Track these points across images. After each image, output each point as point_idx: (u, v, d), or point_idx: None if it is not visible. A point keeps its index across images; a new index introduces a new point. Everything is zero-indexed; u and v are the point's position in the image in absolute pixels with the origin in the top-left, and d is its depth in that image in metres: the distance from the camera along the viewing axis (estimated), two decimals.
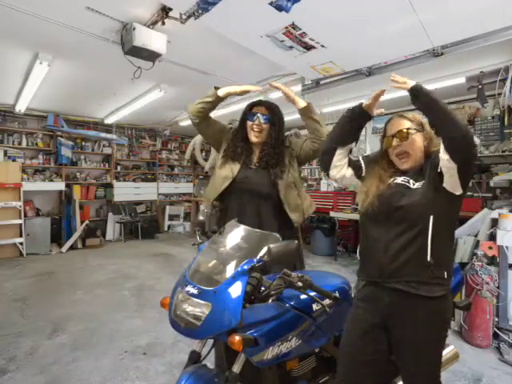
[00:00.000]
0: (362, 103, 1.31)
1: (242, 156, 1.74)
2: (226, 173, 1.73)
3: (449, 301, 1.24)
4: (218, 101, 1.68)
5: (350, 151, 1.43)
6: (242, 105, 5.07)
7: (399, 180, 1.27)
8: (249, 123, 1.70)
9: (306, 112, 1.68)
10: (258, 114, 1.67)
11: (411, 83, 1.14)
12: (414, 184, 1.23)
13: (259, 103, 1.73)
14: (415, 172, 1.27)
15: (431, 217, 1.16)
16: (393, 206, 1.22)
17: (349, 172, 1.41)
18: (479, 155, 4.58)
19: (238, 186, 1.72)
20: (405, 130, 1.25)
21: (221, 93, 1.66)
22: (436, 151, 1.20)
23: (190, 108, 1.74)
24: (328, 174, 1.44)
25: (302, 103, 1.68)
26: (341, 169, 1.40)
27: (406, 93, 1.19)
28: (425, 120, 1.28)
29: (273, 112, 1.71)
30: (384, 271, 1.22)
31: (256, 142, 1.70)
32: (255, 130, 1.68)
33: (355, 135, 1.38)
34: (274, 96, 4.49)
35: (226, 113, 5.52)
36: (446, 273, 1.19)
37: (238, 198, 1.73)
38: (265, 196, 1.70)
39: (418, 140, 1.26)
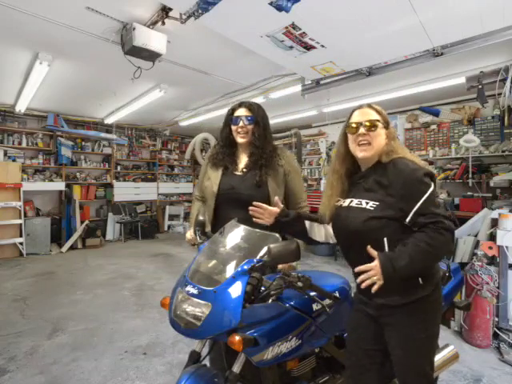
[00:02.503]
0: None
1: (224, 161, 1.71)
2: (209, 189, 1.70)
3: (429, 301, 1.20)
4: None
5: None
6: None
7: (354, 203, 1.25)
8: (233, 127, 1.69)
9: None
10: (242, 117, 1.66)
11: (381, 277, 1.07)
12: (367, 203, 1.21)
13: (240, 105, 1.71)
14: (369, 179, 1.24)
15: (385, 239, 1.15)
16: (348, 229, 1.24)
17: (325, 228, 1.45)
18: (479, 155, 4.59)
19: (223, 197, 1.66)
20: (374, 120, 1.23)
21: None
22: (397, 163, 1.18)
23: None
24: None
25: None
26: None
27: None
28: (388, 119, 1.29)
29: (254, 112, 1.69)
30: (364, 291, 1.24)
31: (243, 142, 1.68)
32: (240, 132, 1.67)
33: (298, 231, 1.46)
34: (274, 96, 4.50)
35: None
36: (420, 279, 1.17)
37: (226, 211, 1.64)
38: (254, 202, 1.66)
39: (381, 134, 1.24)
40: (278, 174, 1.68)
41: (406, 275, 1.09)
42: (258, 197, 1.61)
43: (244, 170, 1.69)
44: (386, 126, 1.26)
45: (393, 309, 1.20)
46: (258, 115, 1.69)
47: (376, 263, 1.07)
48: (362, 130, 1.22)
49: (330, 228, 1.42)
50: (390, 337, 1.23)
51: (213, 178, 1.70)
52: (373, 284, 1.09)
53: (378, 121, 1.23)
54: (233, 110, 1.72)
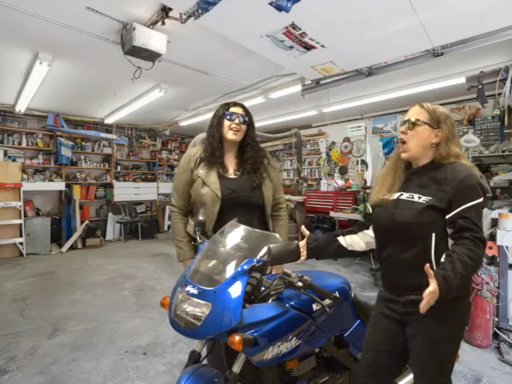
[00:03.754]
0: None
1: (217, 163, 1.67)
2: (210, 195, 1.61)
3: (461, 304, 1.21)
4: None
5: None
6: None
7: (404, 197, 1.26)
8: (227, 122, 1.66)
9: None
10: (238, 114, 1.66)
11: (436, 293, 1.01)
12: (419, 198, 1.21)
13: (236, 104, 1.72)
14: (423, 176, 1.25)
15: (433, 234, 1.16)
16: (395, 222, 1.24)
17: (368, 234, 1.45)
18: (479, 155, 4.59)
19: (225, 202, 1.62)
20: (412, 120, 1.23)
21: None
22: (459, 170, 1.17)
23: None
24: None
25: None
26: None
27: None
28: (444, 118, 1.26)
29: (249, 114, 1.71)
30: (397, 288, 1.28)
31: (233, 139, 1.66)
32: (234, 129, 1.65)
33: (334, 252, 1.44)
34: (274, 96, 4.50)
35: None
36: None
37: (228, 215, 1.59)
38: (252, 206, 1.67)
39: (423, 134, 1.23)
40: (268, 173, 1.73)
41: (459, 289, 1.08)
42: (256, 198, 1.66)
43: (237, 172, 1.70)
44: (436, 125, 1.24)
45: None
46: (251, 118, 1.72)
47: (435, 287, 1.00)
48: (402, 127, 1.25)
49: (369, 232, 1.42)
50: (415, 334, 1.22)
51: (210, 183, 1.62)
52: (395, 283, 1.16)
53: (418, 120, 1.23)
54: (228, 106, 1.70)
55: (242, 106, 1.71)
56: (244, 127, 1.68)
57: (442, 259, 1.09)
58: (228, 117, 1.66)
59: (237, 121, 1.64)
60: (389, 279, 1.33)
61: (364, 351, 1.37)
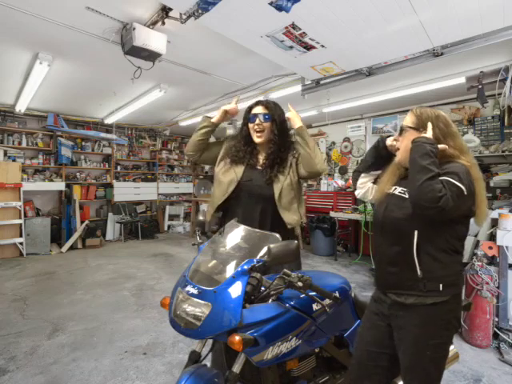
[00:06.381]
0: (385, 140, 1.37)
1: (245, 159, 1.75)
2: (230, 177, 1.72)
3: (446, 309, 1.18)
4: (214, 126, 1.81)
5: (375, 180, 1.48)
6: (242, 104, 5.09)
7: (397, 191, 1.28)
8: (250, 125, 1.72)
9: (300, 133, 1.69)
10: (258, 114, 1.69)
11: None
12: (407, 194, 1.20)
13: (257, 103, 1.75)
14: None
15: (415, 232, 1.15)
16: (384, 216, 1.26)
17: (369, 186, 1.48)
18: (479, 155, 4.59)
19: (241, 188, 1.72)
20: (402, 127, 1.28)
21: (215, 119, 1.78)
22: (448, 167, 1.15)
23: (189, 148, 1.84)
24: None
25: (298, 123, 1.71)
26: (364, 191, 1.49)
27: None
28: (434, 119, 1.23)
29: (271, 110, 1.72)
30: (382, 283, 1.31)
31: (260, 142, 1.71)
32: (257, 130, 1.69)
33: (377, 164, 1.44)
34: (274, 96, 4.50)
35: None
36: (441, 285, 1.16)
37: (241, 201, 1.72)
38: (265, 197, 1.70)
39: (409, 138, 1.23)
40: (287, 165, 1.72)
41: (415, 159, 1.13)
42: (267, 192, 1.69)
43: (263, 164, 1.75)
44: (422, 128, 1.22)
45: (406, 309, 1.20)
46: (275, 113, 1.73)
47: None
48: (395, 135, 1.33)
49: None
50: (401, 339, 1.22)
51: (235, 169, 1.74)
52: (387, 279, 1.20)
53: (406, 126, 1.27)
54: (250, 109, 1.75)
55: (264, 104, 1.73)
56: (267, 125, 1.70)
57: None
58: (250, 119, 1.72)
59: (257, 121, 1.68)
60: (377, 274, 1.36)
61: (355, 350, 1.38)
